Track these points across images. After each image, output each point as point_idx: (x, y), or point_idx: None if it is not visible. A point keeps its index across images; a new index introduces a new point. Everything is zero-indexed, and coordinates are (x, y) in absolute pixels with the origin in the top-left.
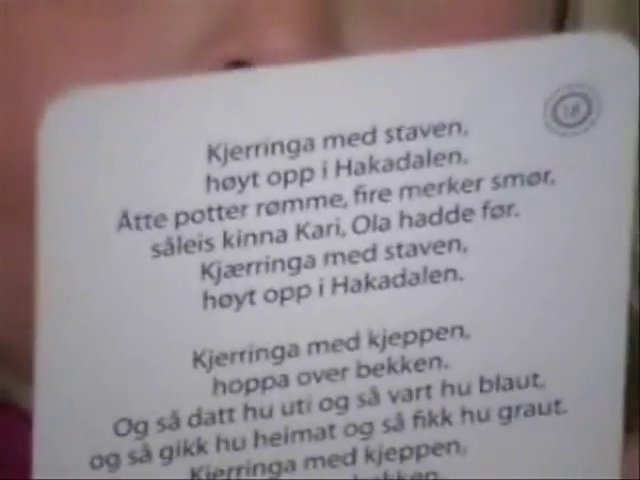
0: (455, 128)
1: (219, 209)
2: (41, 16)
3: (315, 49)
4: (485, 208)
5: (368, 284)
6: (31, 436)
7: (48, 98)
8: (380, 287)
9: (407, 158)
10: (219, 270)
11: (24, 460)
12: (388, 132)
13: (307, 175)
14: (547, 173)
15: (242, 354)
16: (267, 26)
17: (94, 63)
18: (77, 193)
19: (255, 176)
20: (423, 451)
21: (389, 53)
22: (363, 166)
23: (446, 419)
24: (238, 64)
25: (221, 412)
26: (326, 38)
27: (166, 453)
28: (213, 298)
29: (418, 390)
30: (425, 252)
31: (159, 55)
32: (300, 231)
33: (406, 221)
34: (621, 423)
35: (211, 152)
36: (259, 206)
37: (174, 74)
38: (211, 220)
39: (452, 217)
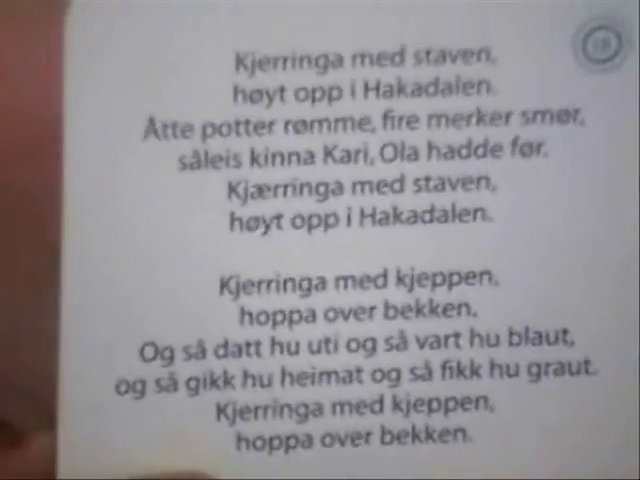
0: (484, 55)
1: (247, 123)
2: None
3: None
4: (514, 145)
5: (396, 217)
6: None
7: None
8: (408, 221)
9: (436, 83)
10: (246, 190)
11: None
12: (416, 54)
13: (335, 94)
14: (577, 111)
15: (269, 283)
16: None
17: None
18: (103, 101)
19: (283, 90)
20: (452, 405)
21: None
22: (392, 88)
23: (475, 372)
24: None
25: (248, 344)
26: None
27: (192, 384)
28: (240, 220)
29: (446, 337)
30: (453, 188)
31: None
32: (328, 153)
33: (434, 152)
34: None
35: (239, 61)
36: (286, 123)
37: None
38: (238, 134)
39: (480, 151)
